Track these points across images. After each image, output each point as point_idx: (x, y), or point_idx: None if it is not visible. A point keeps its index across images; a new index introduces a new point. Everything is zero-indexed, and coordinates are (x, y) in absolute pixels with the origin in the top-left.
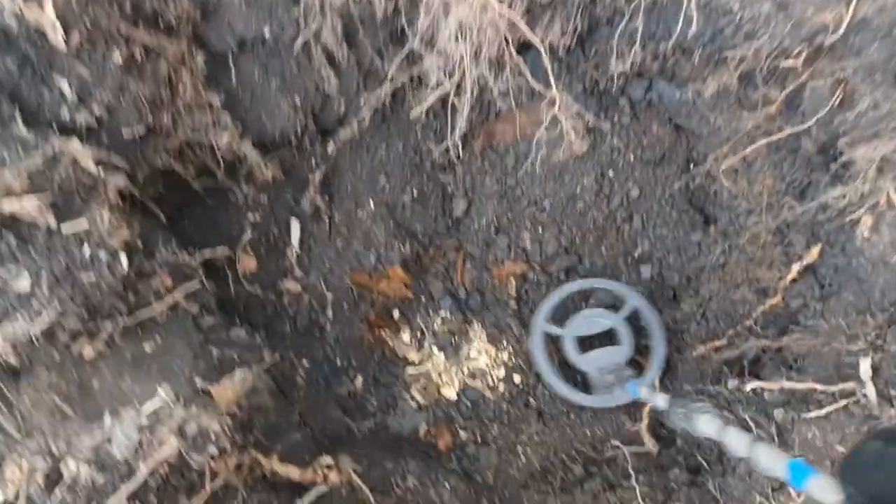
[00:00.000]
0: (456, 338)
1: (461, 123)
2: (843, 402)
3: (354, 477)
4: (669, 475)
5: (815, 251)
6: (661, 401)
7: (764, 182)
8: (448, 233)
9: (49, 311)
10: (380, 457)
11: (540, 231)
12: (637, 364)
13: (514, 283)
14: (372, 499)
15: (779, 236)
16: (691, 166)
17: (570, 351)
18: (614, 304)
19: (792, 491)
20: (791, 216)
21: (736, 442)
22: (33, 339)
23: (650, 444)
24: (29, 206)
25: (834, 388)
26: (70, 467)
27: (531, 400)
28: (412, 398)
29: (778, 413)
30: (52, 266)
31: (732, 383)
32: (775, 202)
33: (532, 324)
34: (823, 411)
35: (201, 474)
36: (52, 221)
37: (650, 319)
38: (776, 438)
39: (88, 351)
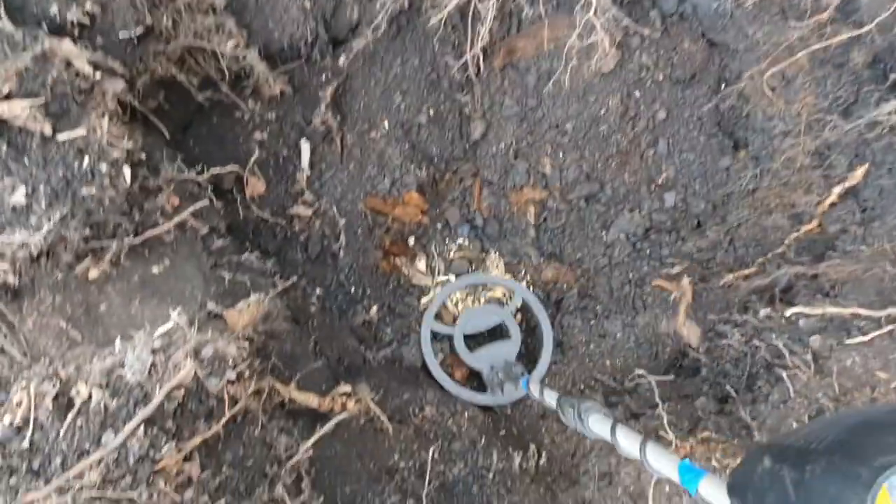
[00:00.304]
0: (472, 266)
1: (483, 32)
2: (888, 328)
3: (373, 405)
4: (696, 404)
5: (859, 172)
6: (549, 398)
7: (804, 100)
8: (465, 157)
9: (48, 226)
10: (396, 386)
11: (561, 156)
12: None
13: (533, 210)
14: (390, 428)
15: (817, 158)
16: (723, 86)
17: (461, 349)
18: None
19: None
20: (833, 136)
21: (626, 441)
22: (33, 256)
23: (693, 337)
24: (19, 110)
25: (880, 314)
26: (81, 392)
27: None
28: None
29: (814, 340)
30: (49, 178)
31: (764, 311)
32: (815, 122)
33: (422, 323)
34: (867, 337)
35: (219, 400)
36: (47, 128)
37: (538, 313)
38: (812, 366)
39: (93, 272)
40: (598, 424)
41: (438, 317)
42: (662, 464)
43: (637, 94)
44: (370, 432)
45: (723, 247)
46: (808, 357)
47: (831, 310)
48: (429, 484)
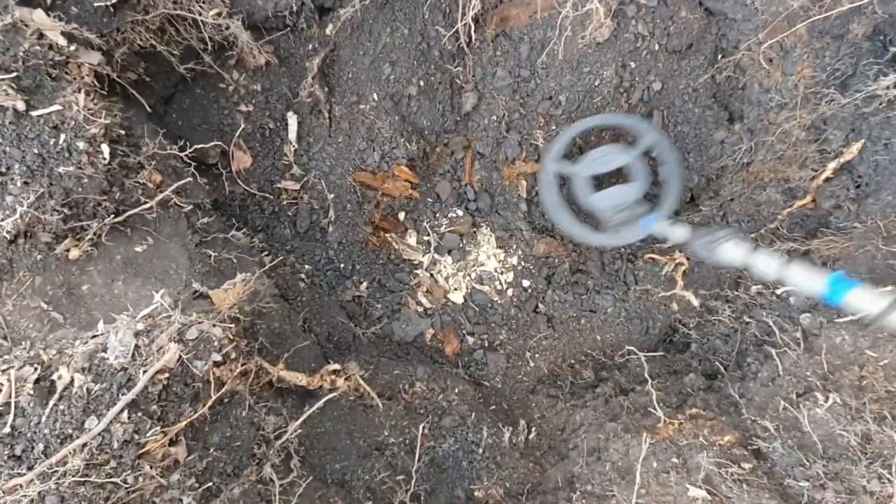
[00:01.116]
0: (464, 241)
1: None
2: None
3: (362, 383)
4: (685, 380)
5: (855, 147)
6: (680, 232)
7: (802, 72)
8: (456, 129)
9: (25, 207)
10: (386, 362)
11: (554, 128)
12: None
13: (524, 184)
14: (380, 404)
15: (813, 132)
16: (719, 57)
17: (583, 190)
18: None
19: (819, 395)
20: (830, 110)
21: (766, 264)
22: (9, 237)
23: (693, 299)
24: None
25: None
26: (63, 376)
27: (540, 305)
28: (418, 303)
29: (805, 318)
30: (24, 156)
31: (755, 288)
32: (812, 94)
33: (543, 163)
34: (857, 315)
35: (205, 382)
36: (20, 104)
37: (666, 154)
38: (801, 344)
39: (74, 252)
40: (732, 251)
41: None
42: (808, 279)
43: (632, 64)
44: (360, 409)
45: (716, 221)
46: (798, 335)
47: None
48: (419, 459)
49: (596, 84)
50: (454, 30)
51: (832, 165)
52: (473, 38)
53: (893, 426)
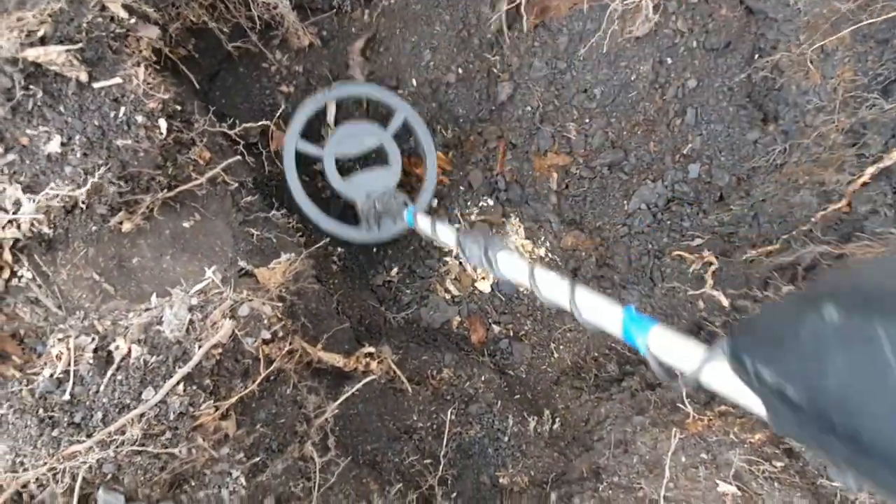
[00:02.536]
0: (493, 230)
1: None
2: None
3: (394, 366)
4: None
5: (895, 153)
6: (443, 233)
7: (842, 76)
8: (490, 119)
9: (83, 177)
10: (415, 348)
11: (587, 121)
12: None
13: (555, 176)
14: (410, 389)
15: (852, 136)
16: (756, 56)
17: (332, 174)
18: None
19: None
20: (871, 115)
21: (547, 286)
22: (67, 208)
23: (723, 298)
24: (55, 55)
25: None
26: (120, 347)
27: None
28: (446, 290)
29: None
30: (85, 128)
31: (786, 289)
32: (852, 98)
33: (285, 141)
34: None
35: (255, 359)
36: (83, 76)
37: (421, 134)
38: None
39: (127, 225)
40: (509, 265)
41: (306, 136)
42: (599, 313)
43: (669, 60)
44: (390, 393)
45: (746, 221)
46: None
47: None
48: (446, 444)
49: (632, 79)
50: (495, 17)
51: (871, 170)
52: (513, 27)
53: None
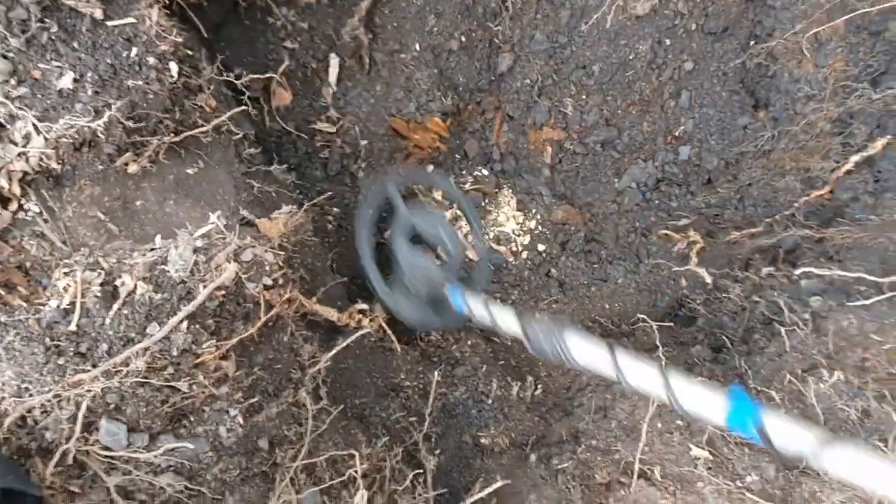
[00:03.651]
0: (486, 200)
1: None
2: (889, 294)
3: (384, 325)
4: (691, 351)
5: (880, 143)
6: (509, 318)
7: (834, 65)
8: (489, 89)
9: (93, 115)
10: None
11: (584, 98)
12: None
13: (549, 150)
14: (399, 348)
15: (838, 125)
16: (752, 43)
17: (398, 243)
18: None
19: (824, 372)
20: (858, 104)
21: (644, 381)
22: (76, 144)
23: (706, 276)
24: None
25: (884, 280)
26: (126, 283)
27: (553, 270)
28: (437, 256)
29: (815, 300)
30: (97, 65)
31: (766, 270)
32: (842, 88)
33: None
34: (868, 301)
35: (256, 304)
36: (98, 12)
37: (474, 223)
38: (810, 324)
39: (133, 167)
40: (585, 352)
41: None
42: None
43: (667, 41)
44: (380, 351)
45: (732, 204)
46: (807, 316)
47: (838, 272)
48: (432, 404)
49: (630, 58)
50: None
51: (855, 158)
52: None
53: (892, 404)
